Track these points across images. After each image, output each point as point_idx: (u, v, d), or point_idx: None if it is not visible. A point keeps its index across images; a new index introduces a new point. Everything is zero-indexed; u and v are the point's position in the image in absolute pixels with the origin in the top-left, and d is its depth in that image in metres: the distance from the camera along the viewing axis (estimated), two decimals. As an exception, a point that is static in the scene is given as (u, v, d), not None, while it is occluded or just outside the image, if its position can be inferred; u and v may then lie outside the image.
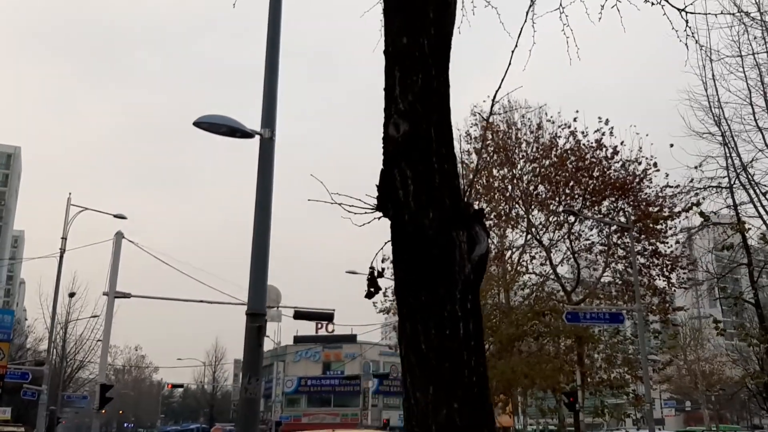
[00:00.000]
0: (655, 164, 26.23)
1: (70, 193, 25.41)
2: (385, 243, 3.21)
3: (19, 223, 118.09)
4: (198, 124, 7.29)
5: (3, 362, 22.12)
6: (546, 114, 28.31)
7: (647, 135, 26.44)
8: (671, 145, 19.09)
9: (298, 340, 72.01)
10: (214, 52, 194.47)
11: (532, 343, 26.77)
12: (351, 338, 68.75)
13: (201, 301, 22.45)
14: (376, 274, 3.47)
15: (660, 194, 26.13)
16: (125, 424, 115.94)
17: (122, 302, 22.07)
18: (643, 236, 24.78)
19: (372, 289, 3.45)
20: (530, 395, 27.12)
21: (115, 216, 25.38)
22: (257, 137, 7.29)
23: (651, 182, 26.62)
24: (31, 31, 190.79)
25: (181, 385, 77.13)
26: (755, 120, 18.75)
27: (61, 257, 24.20)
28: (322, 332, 67.81)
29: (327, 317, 24.66)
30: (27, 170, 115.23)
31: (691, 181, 19.64)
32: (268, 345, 69.92)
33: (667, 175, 26.14)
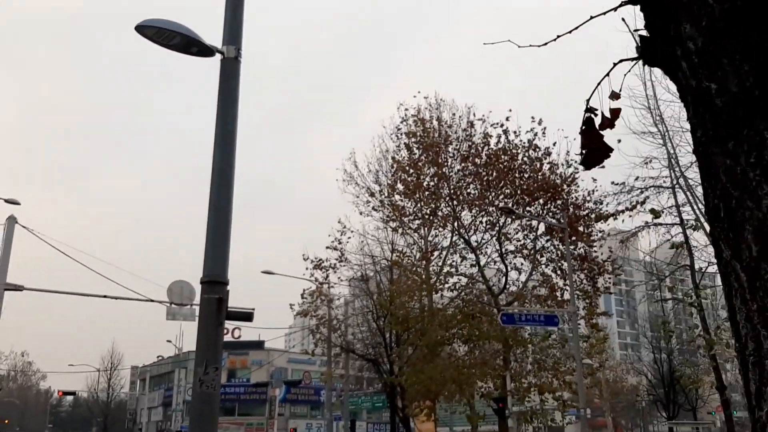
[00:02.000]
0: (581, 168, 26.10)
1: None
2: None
3: None
4: (142, 29, 5.55)
5: None
6: (474, 114, 27.67)
7: (575, 139, 26.27)
8: (619, 141, 18.56)
9: (202, 345, 68.87)
10: None
11: (459, 347, 25.88)
12: (258, 344, 66.16)
13: (104, 296, 20.14)
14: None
15: (587, 198, 25.99)
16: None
17: (8, 302, 19.39)
18: (571, 239, 24.39)
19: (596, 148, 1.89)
20: (457, 401, 26.17)
21: (7, 201, 22.58)
22: (217, 56, 5.69)
23: (578, 186, 26.48)
24: None
25: (73, 393, 71.85)
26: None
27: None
28: (228, 338, 65.03)
29: (245, 316, 22.57)
30: None
31: (636, 179, 19.25)
32: (169, 351, 66.21)
33: (595, 180, 26.06)
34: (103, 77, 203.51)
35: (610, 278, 26.96)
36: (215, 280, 5.21)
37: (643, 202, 17.82)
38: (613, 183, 18.25)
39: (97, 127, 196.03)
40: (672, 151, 18.73)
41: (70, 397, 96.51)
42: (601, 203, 25.73)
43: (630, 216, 18.17)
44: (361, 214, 29.83)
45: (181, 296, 21.33)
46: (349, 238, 29.44)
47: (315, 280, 30.17)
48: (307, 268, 29.75)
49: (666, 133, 19.01)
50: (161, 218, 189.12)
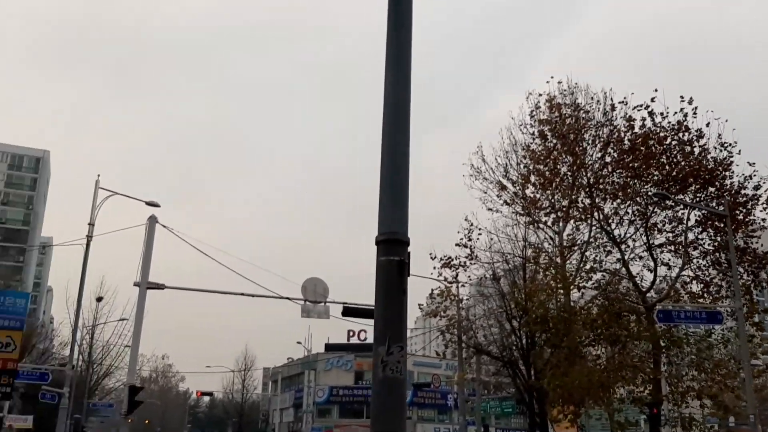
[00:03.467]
0: (739, 151, 23.67)
1: (98, 176, 23.22)
2: None
3: (48, 229, 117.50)
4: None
5: (13, 354, 19.31)
6: (612, 99, 25.65)
7: (726, 120, 23.75)
8: None
9: (329, 347, 69.15)
10: None
11: (604, 349, 23.98)
12: (384, 347, 65.99)
13: (242, 294, 20.08)
14: None
15: (743, 184, 23.45)
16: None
17: (149, 306, 19.59)
18: (733, 228, 21.93)
19: None
20: (605, 407, 24.23)
21: (148, 203, 23.19)
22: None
23: (733, 172, 23.96)
24: (60, 39, 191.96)
25: (210, 393, 74.87)
26: None
27: (88, 244, 22.04)
28: (354, 340, 65.30)
29: (380, 315, 22.09)
30: (55, 177, 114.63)
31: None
32: (298, 352, 67.15)
33: (752, 164, 23.47)
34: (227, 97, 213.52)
35: (775, 272, 24.19)
36: (395, 238, 4.10)
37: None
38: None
39: (223, 142, 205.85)
40: None
41: (207, 398, 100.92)
42: (758, 189, 23.20)
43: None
44: (489, 210, 28.48)
45: (315, 293, 21.01)
46: (479, 235, 28.15)
47: (444, 279, 29.10)
48: (435, 267, 28.74)
49: None
50: (289, 220, 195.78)
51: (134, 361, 18.40)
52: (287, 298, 21.75)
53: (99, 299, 47.73)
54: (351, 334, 66.56)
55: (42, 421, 49.59)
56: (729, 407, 22.84)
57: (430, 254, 28.76)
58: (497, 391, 50.65)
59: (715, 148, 23.95)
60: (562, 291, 25.40)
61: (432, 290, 30.29)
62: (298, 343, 69.59)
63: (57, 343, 56.32)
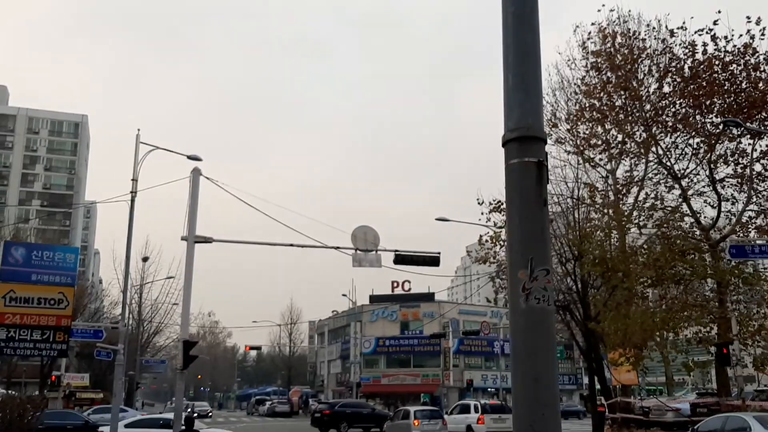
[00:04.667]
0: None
1: (138, 130, 22.63)
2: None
3: (91, 193, 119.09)
4: None
5: (67, 311, 19.13)
6: (666, 27, 24.00)
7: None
8: None
9: (373, 299, 69.53)
10: None
11: (667, 289, 22.96)
12: (429, 297, 65.86)
13: (291, 245, 19.46)
14: None
15: None
16: (201, 389, 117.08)
17: (195, 263, 19.07)
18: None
19: None
20: (667, 350, 23.33)
21: (189, 157, 22.55)
22: None
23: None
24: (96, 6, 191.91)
25: (258, 348, 75.82)
26: None
27: (133, 200, 21.60)
28: (398, 291, 65.21)
29: (432, 261, 21.39)
30: (95, 143, 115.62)
31: None
32: (343, 305, 67.61)
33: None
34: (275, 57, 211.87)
35: None
36: (530, 134, 3.17)
37: None
38: None
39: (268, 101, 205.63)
40: None
41: (254, 353, 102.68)
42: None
43: None
44: (542, 148, 27.32)
45: (365, 242, 20.31)
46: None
47: (494, 224, 28.18)
48: (482, 213, 27.83)
49: None
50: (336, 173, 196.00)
51: (186, 316, 18.04)
52: (337, 248, 21.11)
53: (145, 259, 48.06)
54: (395, 285, 66.48)
55: (97, 378, 50.79)
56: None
57: (477, 200, 27.87)
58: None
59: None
60: (616, 231, 24.35)
61: (480, 236, 29.46)
62: (344, 295, 69.78)
63: (107, 303, 57.19)
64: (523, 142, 3.13)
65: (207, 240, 18.79)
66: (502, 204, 27.42)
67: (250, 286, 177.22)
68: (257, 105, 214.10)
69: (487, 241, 29.17)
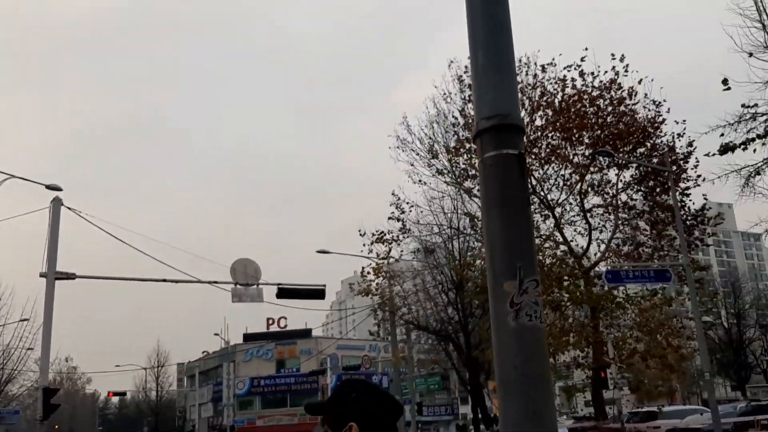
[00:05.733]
0: (668, 110, 23.64)
1: (-12, 158, 20.40)
2: None
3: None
4: None
5: None
6: (536, 64, 25.03)
7: (652, 80, 23.60)
8: (725, 81, 15.76)
9: (248, 337, 67.03)
10: None
11: (548, 314, 23.49)
12: (306, 333, 64.43)
13: (164, 280, 18.05)
14: None
15: (672, 141, 23.42)
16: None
17: (57, 300, 17.27)
18: (675, 184, 21.76)
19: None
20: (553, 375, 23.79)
21: (48, 187, 20.61)
22: None
23: (662, 131, 23.93)
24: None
25: (123, 393, 70.74)
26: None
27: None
28: (274, 328, 63.38)
29: (317, 294, 20.65)
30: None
31: (753, 106, 16.46)
32: (214, 345, 64.75)
33: (682, 122, 23.44)
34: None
35: (705, 229, 24.39)
36: (508, 123, 2.69)
37: (782, 126, 15.15)
38: (743, 105, 15.57)
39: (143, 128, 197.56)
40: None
41: (116, 399, 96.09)
42: (691, 145, 23.18)
43: (764, 144, 15.52)
44: (419, 182, 27.54)
45: (246, 275, 19.28)
46: (411, 208, 27.17)
47: (376, 255, 27.97)
48: (364, 245, 27.59)
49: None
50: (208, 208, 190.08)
51: (46, 361, 16.16)
52: (214, 282, 19.92)
53: (-6, 301, 43.72)
54: (270, 322, 64.58)
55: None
56: (674, 367, 22.84)
57: (359, 231, 27.59)
58: (425, 368, 50.18)
59: (645, 107, 23.82)
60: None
61: (363, 268, 29.13)
62: (216, 334, 67.02)
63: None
64: (501, 133, 2.62)
65: (69, 276, 17.07)
66: (385, 234, 27.30)
67: (112, 328, 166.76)
68: (132, 137, 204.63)
69: (368, 273, 28.88)
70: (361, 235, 27.64)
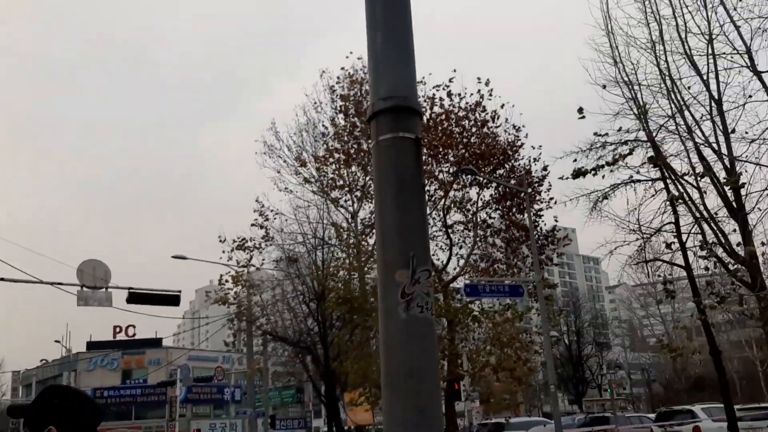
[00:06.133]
0: (526, 135, 24.96)
1: None
2: None
3: None
4: None
5: None
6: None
7: (513, 106, 24.95)
8: (580, 110, 16.93)
9: (92, 346, 63.01)
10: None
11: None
12: (156, 342, 61.48)
13: (1, 279, 16.46)
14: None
15: (529, 164, 24.77)
16: None
17: None
18: (531, 205, 22.89)
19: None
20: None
21: None
22: None
23: (520, 155, 25.20)
24: None
25: (-56, 406, 64.03)
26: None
27: None
28: (122, 336, 60.12)
29: (172, 299, 19.70)
30: None
31: (604, 135, 17.67)
32: (56, 353, 60.70)
33: (538, 147, 24.87)
34: None
35: (554, 249, 25.84)
36: (405, 105, 2.57)
37: (629, 154, 16.35)
38: (596, 134, 16.68)
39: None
40: (643, 103, 17.34)
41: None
42: (546, 170, 24.59)
43: (612, 170, 16.71)
44: (285, 190, 27.18)
45: (94, 278, 18.00)
46: (276, 215, 26.72)
47: (236, 263, 27.18)
48: (224, 251, 26.74)
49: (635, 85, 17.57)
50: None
51: None
52: (57, 284, 18.46)
53: None
54: (118, 330, 61.16)
55: None
56: (522, 379, 23.86)
57: (219, 237, 26.74)
58: (281, 380, 49.40)
59: (506, 131, 24.91)
60: (357, 272, 24.87)
61: (221, 275, 28.23)
62: (56, 341, 62.54)
63: None
64: (398, 115, 2.49)
65: None
66: (247, 242, 26.61)
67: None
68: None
69: (227, 281, 28.01)
70: (221, 241, 26.77)
